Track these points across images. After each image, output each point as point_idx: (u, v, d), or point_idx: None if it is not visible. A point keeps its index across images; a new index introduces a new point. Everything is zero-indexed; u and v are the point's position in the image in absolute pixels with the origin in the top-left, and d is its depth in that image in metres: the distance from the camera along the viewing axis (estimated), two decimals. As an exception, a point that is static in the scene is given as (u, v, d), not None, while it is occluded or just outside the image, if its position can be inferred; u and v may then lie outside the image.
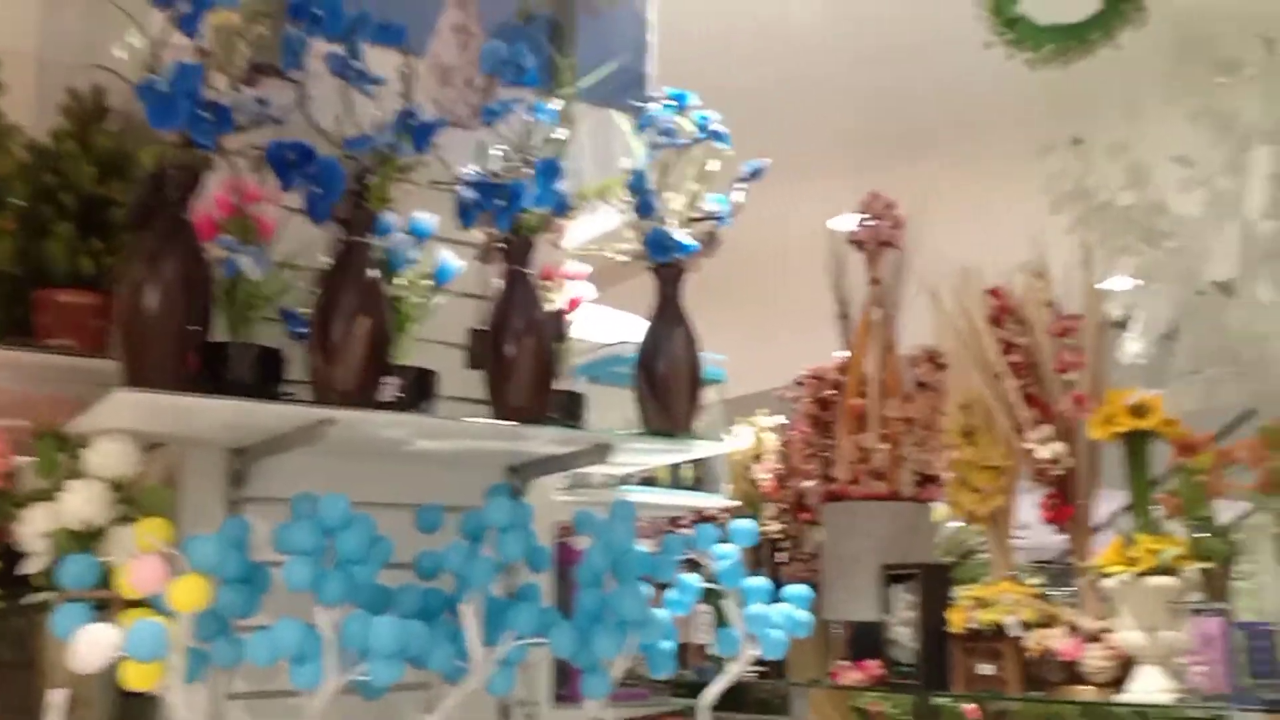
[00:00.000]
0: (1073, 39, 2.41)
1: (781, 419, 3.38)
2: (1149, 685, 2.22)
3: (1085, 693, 2.34)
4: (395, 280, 1.72)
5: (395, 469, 1.82)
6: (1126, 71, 2.35)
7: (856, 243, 3.09)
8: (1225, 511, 2.34)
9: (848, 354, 3.10)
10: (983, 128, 3.23)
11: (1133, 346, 2.33)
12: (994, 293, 2.70)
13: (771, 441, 3.31)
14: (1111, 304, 2.52)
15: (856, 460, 2.99)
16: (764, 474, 3.27)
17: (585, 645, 1.67)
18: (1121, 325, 2.43)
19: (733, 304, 5.06)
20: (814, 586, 2.98)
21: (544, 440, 1.80)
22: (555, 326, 1.87)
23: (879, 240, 3.06)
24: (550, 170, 1.73)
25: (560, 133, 1.77)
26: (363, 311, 1.55)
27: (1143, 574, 2.22)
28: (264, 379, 1.57)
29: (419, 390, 1.69)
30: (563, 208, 1.77)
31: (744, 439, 3.34)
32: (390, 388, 1.60)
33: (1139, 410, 2.30)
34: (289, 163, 1.56)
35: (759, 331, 5.24)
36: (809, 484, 3.15)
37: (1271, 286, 2.21)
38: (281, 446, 1.65)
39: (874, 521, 2.91)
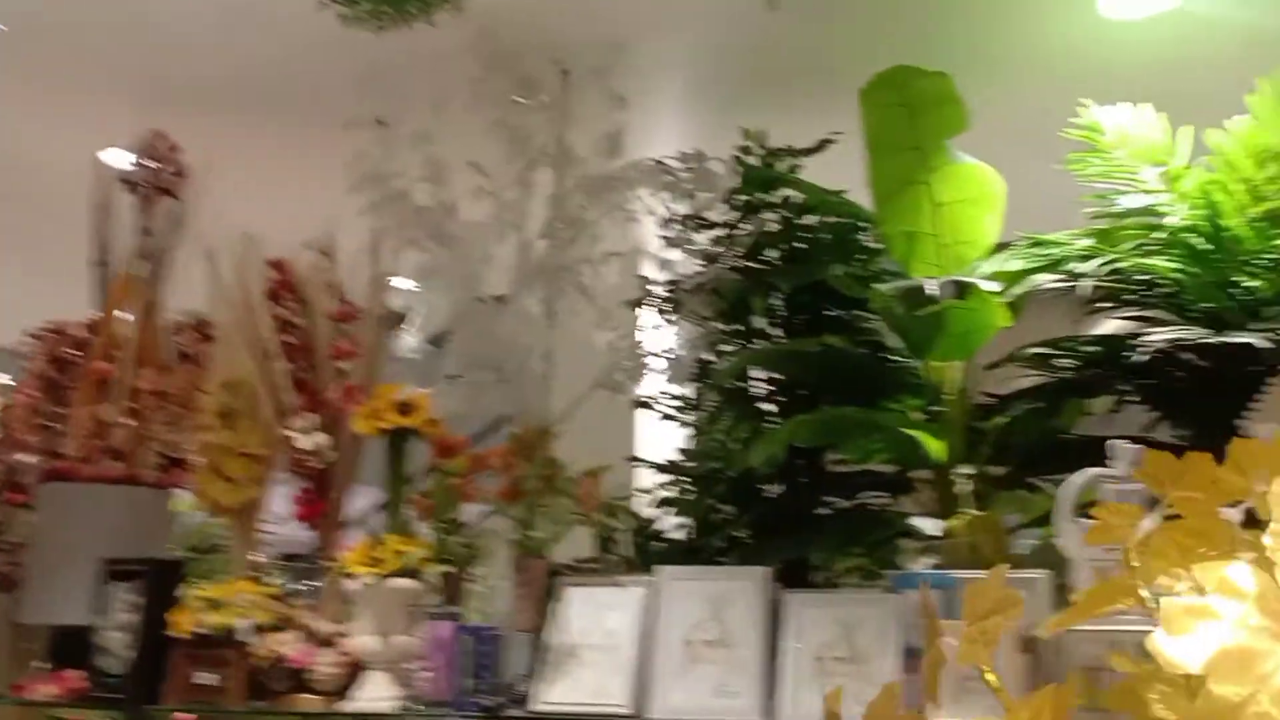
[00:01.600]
0: (390, 4, 2.31)
1: (8, 379, 2.84)
2: (374, 693, 2.15)
3: (311, 702, 2.19)
4: None
5: None
6: (440, 64, 2.30)
7: (129, 184, 2.71)
8: (472, 516, 2.38)
9: (101, 310, 2.69)
10: (290, 87, 3.03)
11: (408, 342, 2.28)
12: (277, 265, 2.50)
13: (-12, 404, 2.74)
14: (394, 297, 2.46)
15: (92, 434, 2.59)
16: (-30, 442, 2.68)
17: None
18: (401, 319, 2.39)
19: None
20: (15, 584, 2.54)
21: None
22: None
23: (157, 186, 2.72)
24: None
25: None
26: None
27: (387, 576, 2.16)
28: None
29: None
30: None
31: (-49, 397, 2.72)
32: None
33: (405, 407, 2.25)
34: None
35: (8, 274, 4.46)
36: (28, 458, 2.65)
37: (538, 302, 2.30)
38: None
39: (102, 508, 2.53)
